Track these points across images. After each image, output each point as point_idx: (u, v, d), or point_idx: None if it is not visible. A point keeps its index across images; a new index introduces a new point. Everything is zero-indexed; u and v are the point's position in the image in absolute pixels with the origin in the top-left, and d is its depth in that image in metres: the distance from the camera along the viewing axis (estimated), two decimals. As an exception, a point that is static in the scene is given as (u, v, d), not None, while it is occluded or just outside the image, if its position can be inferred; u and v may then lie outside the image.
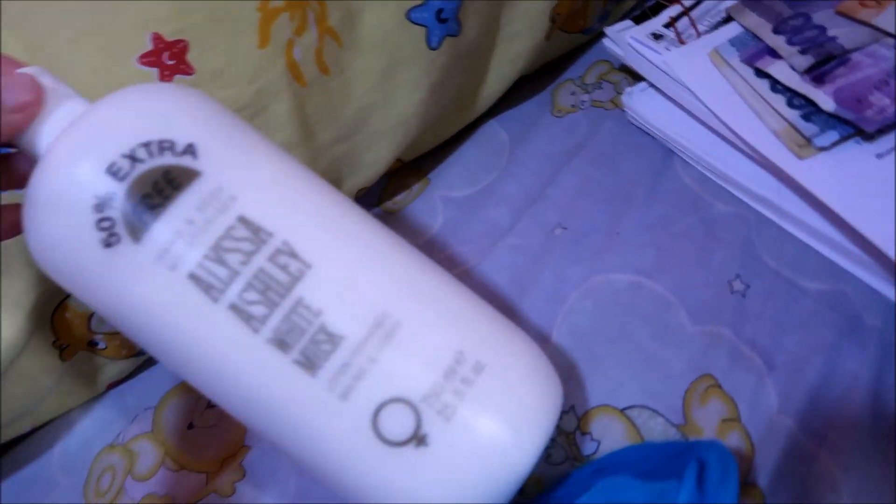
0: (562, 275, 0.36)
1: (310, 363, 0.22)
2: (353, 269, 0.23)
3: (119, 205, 0.22)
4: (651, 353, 0.33)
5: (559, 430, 0.31)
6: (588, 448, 0.30)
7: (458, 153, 0.44)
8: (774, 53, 0.33)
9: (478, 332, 0.24)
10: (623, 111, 0.40)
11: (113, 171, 0.22)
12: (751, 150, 0.33)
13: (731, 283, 0.33)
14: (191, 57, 0.33)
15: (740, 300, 0.33)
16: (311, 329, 0.22)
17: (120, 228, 0.22)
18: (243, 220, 0.22)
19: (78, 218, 0.22)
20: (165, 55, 0.33)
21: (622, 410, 0.31)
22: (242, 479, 0.35)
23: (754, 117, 0.33)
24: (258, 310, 0.22)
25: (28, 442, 0.39)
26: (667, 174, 0.37)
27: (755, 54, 0.34)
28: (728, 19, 0.36)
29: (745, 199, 0.35)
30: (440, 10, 0.36)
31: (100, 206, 0.22)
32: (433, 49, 0.37)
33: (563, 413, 0.31)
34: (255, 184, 0.23)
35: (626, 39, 0.37)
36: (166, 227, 0.22)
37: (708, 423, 0.30)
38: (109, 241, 0.22)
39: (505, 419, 0.22)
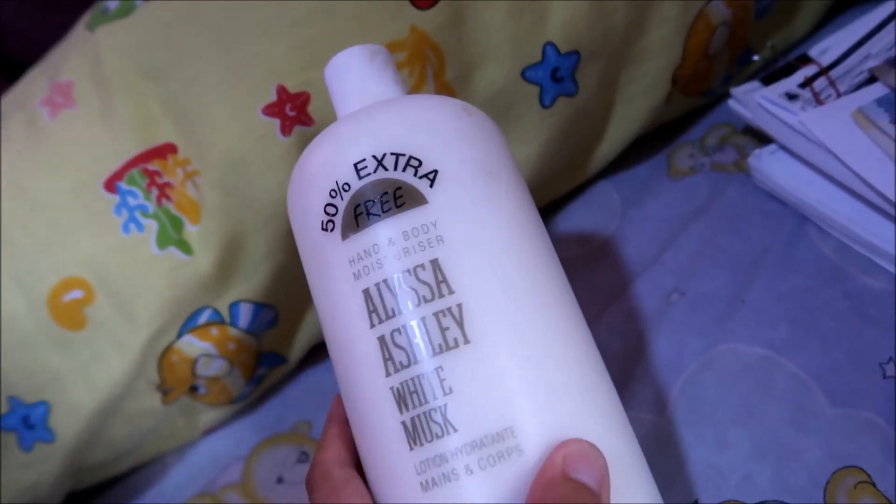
0: (680, 342, 0.33)
1: (413, 436, 0.21)
2: (510, 367, 0.21)
3: (346, 199, 0.23)
4: (784, 440, 0.29)
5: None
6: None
7: (566, 213, 0.42)
8: (930, 114, 0.31)
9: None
10: (748, 175, 0.37)
11: (358, 167, 0.23)
12: (905, 217, 0.30)
13: (884, 366, 0.30)
14: (311, 109, 0.34)
15: (894, 386, 0.29)
16: (433, 404, 0.21)
17: (338, 220, 0.23)
18: (435, 264, 0.22)
19: (316, 195, 0.23)
20: (287, 107, 0.34)
21: (753, 506, 0.28)
22: (330, 542, 0.33)
23: (908, 182, 0.30)
24: (399, 355, 0.21)
25: (122, 485, 0.39)
26: (801, 242, 0.34)
27: (907, 114, 0.31)
28: (872, 79, 0.34)
29: (897, 272, 0.32)
30: (556, 69, 0.36)
31: (333, 192, 0.23)
32: (546, 108, 0.36)
33: (687, 506, 0.28)
34: (470, 238, 0.22)
35: (755, 100, 0.35)
36: (367, 238, 0.22)
37: (860, 525, 0.26)
38: (326, 227, 0.23)
39: None
